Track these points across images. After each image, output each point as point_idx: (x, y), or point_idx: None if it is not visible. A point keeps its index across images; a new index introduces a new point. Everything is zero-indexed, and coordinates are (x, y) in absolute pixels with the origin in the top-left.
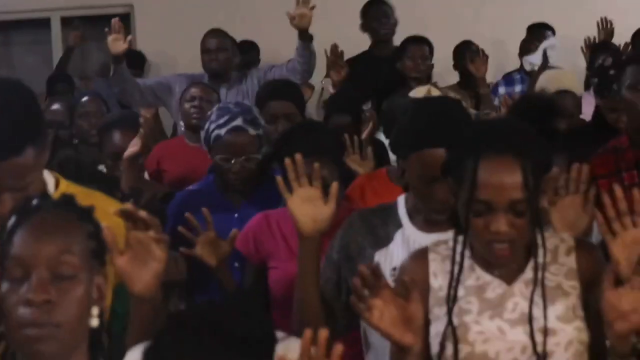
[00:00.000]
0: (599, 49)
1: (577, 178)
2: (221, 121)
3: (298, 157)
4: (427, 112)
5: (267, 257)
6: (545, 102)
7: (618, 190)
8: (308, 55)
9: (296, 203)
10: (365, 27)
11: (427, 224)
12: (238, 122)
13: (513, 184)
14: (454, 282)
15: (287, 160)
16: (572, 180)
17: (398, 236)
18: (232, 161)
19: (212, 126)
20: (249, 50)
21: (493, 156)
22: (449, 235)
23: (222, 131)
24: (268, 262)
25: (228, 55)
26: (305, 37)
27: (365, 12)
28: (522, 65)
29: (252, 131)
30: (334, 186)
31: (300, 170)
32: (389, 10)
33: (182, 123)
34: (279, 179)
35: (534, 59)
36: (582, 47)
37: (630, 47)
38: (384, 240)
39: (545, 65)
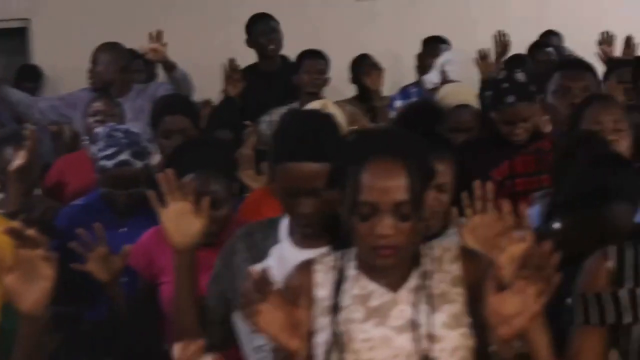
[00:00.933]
0: (512, 61)
1: (482, 197)
2: (108, 152)
3: (169, 171)
4: (294, 125)
5: (159, 272)
6: (430, 108)
7: (505, 205)
8: (175, 83)
9: (168, 217)
10: (251, 42)
11: (302, 240)
12: (125, 155)
13: (397, 186)
14: (338, 290)
15: (160, 175)
16: (479, 199)
17: (274, 252)
18: (119, 193)
19: (99, 155)
20: (152, 64)
21: (377, 160)
22: (322, 251)
23: (109, 164)
24: (159, 277)
25: (115, 69)
26: (167, 67)
27: (251, 28)
28: (418, 78)
29: (138, 164)
30: (205, 200)
31: (174, 184)
32: (276, 25)
33: (86, 137)
34: (150, 193)
35: (433, 77)
36: (476, 59)
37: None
38: (262, 256)
39: (445, 81)
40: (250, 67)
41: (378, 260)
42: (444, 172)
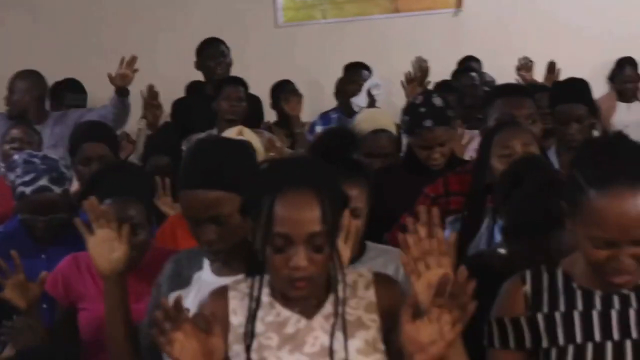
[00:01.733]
0: (441, 87)
1: (428, 222)
2: (27, 178)
3: (93, 199)
4: (196, 153)
5: (77, 298)
6: (345, 134)
7: (422, 230)
8: (122, 109)
9: (94, 243)
10: (199, 65)
11: (221, 267)
12: (43, 181)
13: (311, 218)
14: (252, 318)
15: (86, 203)
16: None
17: (195, 279)
18: (38, 219)
19: (18, 181)
20: (78, 91)
21: (290, 191)
22: (239, 278)
23: (27, 190)
24: (78, 303)
25: (32, 97)
26: (123, 93)
27: (201, 51)
28: (339, 104)
29: (57, 190)
30: (124, 228)
31: (99, 211)
32: (226, 50)
33: (2, 164)
34: (77, 220)
35: (359, 101)
36: (402, 82)
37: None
38: (185, 283)
39: (372, 105)
40: (197, 90)
41: (292, 292)
42: (357, 196)
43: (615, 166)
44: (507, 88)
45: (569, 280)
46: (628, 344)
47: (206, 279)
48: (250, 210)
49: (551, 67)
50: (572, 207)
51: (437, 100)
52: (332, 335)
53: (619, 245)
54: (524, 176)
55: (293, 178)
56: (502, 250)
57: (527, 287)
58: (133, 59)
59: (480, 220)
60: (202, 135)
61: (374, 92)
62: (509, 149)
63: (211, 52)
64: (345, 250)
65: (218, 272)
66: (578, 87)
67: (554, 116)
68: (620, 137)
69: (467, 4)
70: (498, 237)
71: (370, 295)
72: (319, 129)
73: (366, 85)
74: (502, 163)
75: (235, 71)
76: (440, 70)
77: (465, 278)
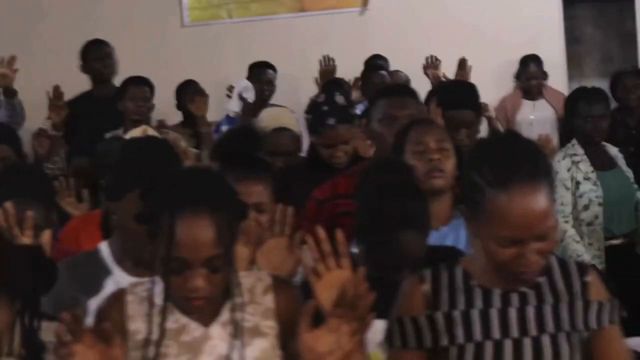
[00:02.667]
0: (332, 84)
1: (282, 220)
2: None
3: (9, 204)
4: (134, 154)
5: None
6: (249, 132)
7: (321, 232)
8: (12, 109)
9: None
10: (86, 68)
11: (136, 267)
12: None
13: (208, 242)
14: (150, 323)
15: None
16: (278, 222)
17: (110, 283)
18: None
19: None
20: None
21: (188, 214)
22: (138, 281)
23: None
24: None
25: None
26: (8, 93)
27: (86, 53)
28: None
29: None
30: (27, 228)
31: (14, 217)
32: (110, 50)
33: None
34: None
35: (233, 106)
36: (316, 79)
37: (360, 82)
38: (96, 289)
39: (246, 108)
40: (85, 94)
41: (190, 309)
42: (261, 192)
43: (513, 164)
44: (391, 88)
45: (468, 279)
46: (527, 342)
47: (124, 280)
48: (150, 222)
49: (462, 64)
50: (472, 209)
51: (340, 99)
52: (228, 343)
53: (525, 242)
54: (377, 177)
55: (190, 198)
56: (354, 250)
57: (426, 286)
58: (12, 59)
59: None
60: (108, 135)
61: (245, 95)
62: (423, 145)
63: (96, 54)
64: (244, 251)
65: (134, 272)
66: (466, 92)
67: (443, 121)
68: (514, 135)
69: (373, 2)
70: None
71: (269, 300)
72: (224, 128)
73: (237, 90)
74: (416, 159)
75: (141, 71)
76: (348, 69)
77: (364, 290)
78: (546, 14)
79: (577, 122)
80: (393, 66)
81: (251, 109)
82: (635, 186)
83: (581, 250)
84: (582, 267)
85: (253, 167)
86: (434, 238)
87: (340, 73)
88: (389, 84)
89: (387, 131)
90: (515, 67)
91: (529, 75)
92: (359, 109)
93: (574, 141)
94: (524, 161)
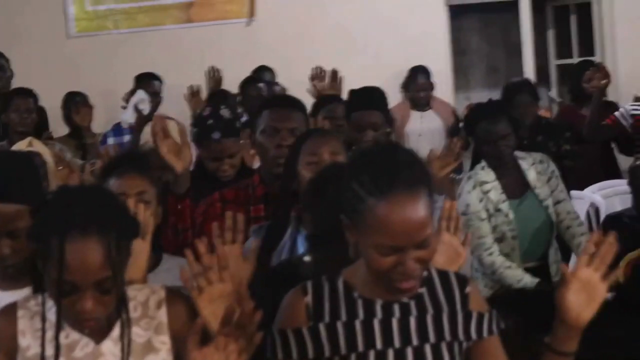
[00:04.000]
0: (216, 97)
1: (233, 228)
2: None
3: None
4: None
5: None
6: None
7: (201, 246)
8: None
9: None
10: None
11: (6, 281)
12: None
13: (97, 265)
14: (42, 339)
15: None
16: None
17: None
18: None
19: None
20: None
21: (77, 237)
22: (26, 292)
23: None
24: None
25: None
26: None
27: None
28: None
29: None
30: None
31: None
32: (5, 63)
33: None
34: None
35: (127, 117)
36: (185, 95)
37: (240, 96)
38: None
39: (140, 119)
40: None
41: (81, 329)
42: (145, 184)
43: (392, 173)
44: (275, 100)
45: (350, 290)
46: (409, 351)
47: None
48: (39, 240)
49: (334, 75)
50: (352, 218)
51: (225, 112)
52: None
53: (405, 250)
54: (328, 185)
55: (79, 221)
56: (307, 258)
57: (309, 298)
58: None
59: (286, 228)
60: None
61: (140, 107)
62: (317, 157)
63: None
64: (145, 247)
65: (4, 286)
66: (373, 95)
67: (349, 124)
68: (392, 144)
69: (260, 13)
70: (302, 246)
71: (162, 314)
72: (111, 140)
73: (132, 101)
74: (310, 171)
75: (26, 83)
76: (235, 80)
77: (251, 308)
78: (432, 25)
79: (483, 146)
80: (280, 77)
81: (145, 121)
82: (550, 208)
83: (519, 274)
84: (462, 279)
85: (136, 163)
86: None
87: (227, 84)
88: (275, 95)
89: (269, 142)
90: (402, 78)
91: (418, 86)
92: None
93: (483, 164)
94: (403, 170)
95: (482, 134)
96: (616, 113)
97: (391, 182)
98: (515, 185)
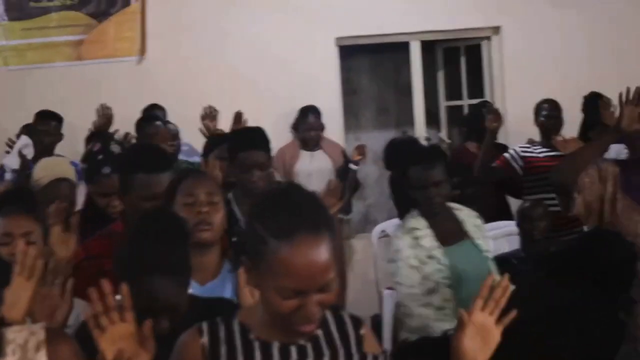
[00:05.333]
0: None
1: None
2: None
3: None
4: None
5: None
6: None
7: (106, 286)
8: None
9: None
10: None
11: None
12: None
13: None
14: None
15: None
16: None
17: None
18: None
19: None
20: None
21: None
22: None
23: None
24: None
25: None
26: None
27: None
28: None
29: None
30: None
31: None
32: None
33: None
34: None
35: (11, 162)
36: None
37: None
38: None
39: (24, 165)
40: None
41: None
42: (30, 224)
43: (296, 216)
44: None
45: (246, 332)
46: None
47: None
48: None
49: (237, 118)
50: (253, 259)
51: (116, 148)
52: None
53: (307, 294)
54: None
55: None
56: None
57: (205, 339)
58: None
59: None
60: None
61: (25, 151)
62: (193, 197)
63: None
64: (29, 287)
65: None
66: (257, 135)
67: (235, 165)
68: (296, 187)
69: (151, 52)
70: None
71: (41, 357)
72: (9, 176)
73: (17, 146)
74: (186, 211)
75: None
76: (125, 118)
77: (153, 348)
78: (323, 65)
79: (414, 193)
80: (172, 116)
81: (28, 167)
82: (487, 255)
83: (447, 327)
84: (356, 321)
85: (22, 203)
86: (202, 292)
87: (118, 122)
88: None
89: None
90: (292, 117)
91: (308, 126)
92: None
93: (414, 212)
94: (307, 213)
95: (414, 180)
96: (506, 154)
97: (295, 225)
98: (450, 232)
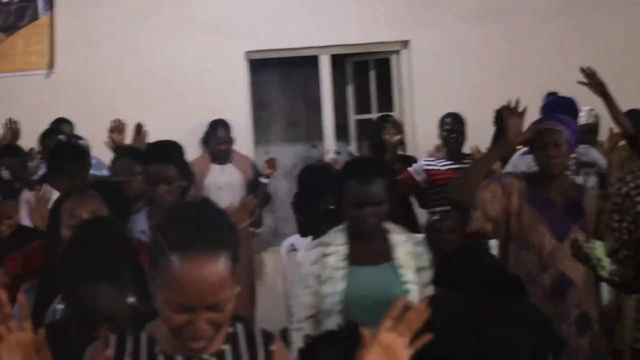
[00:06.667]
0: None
1: None
2: None
3: None
4: None
5: None
6: None
7: (3, 295)
8: None
9: None
10: None
11: None
12: None
13: None
14: None
15: None
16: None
17: None
18: None
19: None
20: None
21: None
22: None
23: None
24: None
25: None
26: None
27: None
28: None
29: None
30: None
31: None
32: None
33: None
34: None
35: None
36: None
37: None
38: None
39: None
40: None
41: None
42: None
43: (195, 231)
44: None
45: (152, 345)
46: None
47: None
48: None
49: (138, 129)
50: (152, 270)
51: (5, 174)
52: None
53: (196, 311)
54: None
55: None
56: (59, 306)
57: (110, 351)
58: None
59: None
60: None
61: None
62: (77, 219)
63: None
64: None
65: None
66: (168, 149)
67: (145, 177)
68: (203, 201)
69: (60, 65)
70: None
71: None
72: None
73: None
74: (71, 232)
75: None
76: (34, 132)
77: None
78: (233, 78)
79: (347, 210)
80: (81, 129)
81: None
82: (407, 286)
83: None
84: (267, 336)
85: None
86: None
87: (25, 136)
88: None
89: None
90: (203, 131)
91: (218, 139)
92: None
93: (342, 226)
94: (207, 229)
95: (350, 195)
96: (409, 168)
97: (192, 240)
98: (372, 253)
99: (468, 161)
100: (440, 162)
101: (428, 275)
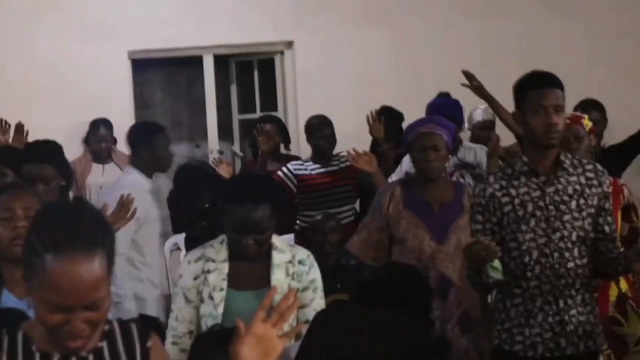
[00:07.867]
0: None
1: None
2: None
3: None
4: None
5: None
6: None
7: None
8: None
9: None
10: None
11: None
12: None
13: None
14: None
15: None
16: None
17: None
18: None
19: None
20: None
21: None
22: None
23: None
24: None
25: None
26: None
27: None
28: None
29: None
30: None
31: None
32: None
33: None
34: None
35: None
36: None
37: None
38: None
39: None
40: None
41: None
42: None
43: (69, 230)
44: None
45: (29, 344)
46: None
47: None
48: None
49: (19, 129)
50: (27, 270)
51: None
52: None
53: (72, 310)
54: None
55: None
56: None
57: None
58: None
59: None
60: None
61: None
62: (10, 212)
63: None
64: None
65: None
66: (46, 149)
67: (21, 176)
68: (79, 201)
69: None
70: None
71: None
72: None
73: None
74: (3, 226)
75: None
76: None
77: None
78: (115, 78)
79: (230, 234)
80: None
81: None
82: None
83: None
84: (143, 333)
85: None
86: (21, 305)
87: None
88: None
89: None
90: (84, 130)
91: (99, 138)
92: None
93: (223, 238)
94: (82, 229)
95: (235, 220)
96: (279, 172)
97: (67, 240)
98: (250, 277)
99: (336, 163)
100: (310, 166)
101: (310, 295)
